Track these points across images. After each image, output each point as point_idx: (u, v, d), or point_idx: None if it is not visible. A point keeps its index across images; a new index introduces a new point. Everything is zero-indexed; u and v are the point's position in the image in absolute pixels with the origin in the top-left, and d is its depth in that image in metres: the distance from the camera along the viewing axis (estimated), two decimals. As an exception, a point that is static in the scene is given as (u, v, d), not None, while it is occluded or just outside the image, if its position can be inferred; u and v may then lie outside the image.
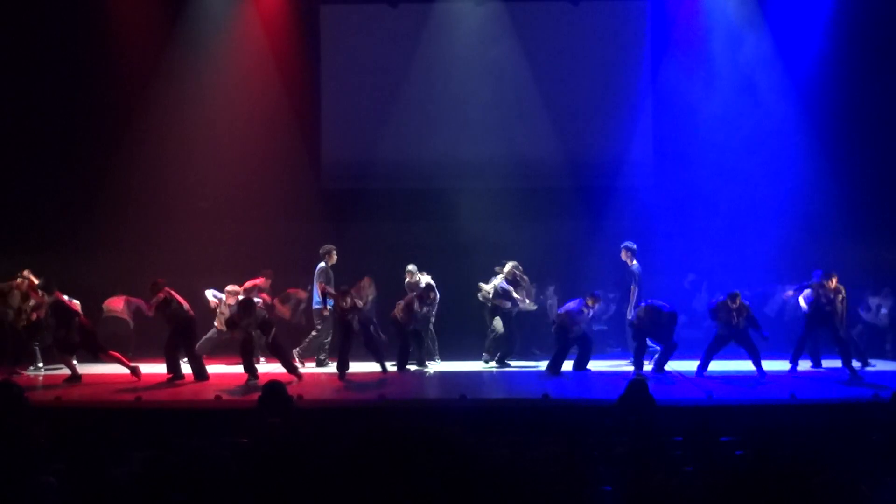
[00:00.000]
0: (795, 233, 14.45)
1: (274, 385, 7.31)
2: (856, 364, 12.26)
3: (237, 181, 15.52)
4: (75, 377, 11.97)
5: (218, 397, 10.45)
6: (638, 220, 15.06)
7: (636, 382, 7.03)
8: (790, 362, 12.39)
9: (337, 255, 13.25)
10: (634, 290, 12.88)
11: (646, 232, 14.73)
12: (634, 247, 13.06)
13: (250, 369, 11.79)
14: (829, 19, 14.87)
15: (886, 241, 14.37)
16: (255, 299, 12.44)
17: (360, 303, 12.36)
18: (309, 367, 12.89)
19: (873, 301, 13.91)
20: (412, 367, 12.87)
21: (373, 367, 12.63)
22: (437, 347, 13.39)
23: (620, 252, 13.12)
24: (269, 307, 12.96)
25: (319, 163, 16.22)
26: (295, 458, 4.88)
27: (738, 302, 11.75)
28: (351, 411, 9.92)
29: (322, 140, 16.28)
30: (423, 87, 15.76)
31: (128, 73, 15.19)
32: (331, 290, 12.79)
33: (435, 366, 13.17)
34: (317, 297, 13.08)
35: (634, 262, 13.04)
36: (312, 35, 16.16)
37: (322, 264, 13.16)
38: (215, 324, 12.96)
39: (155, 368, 12.42)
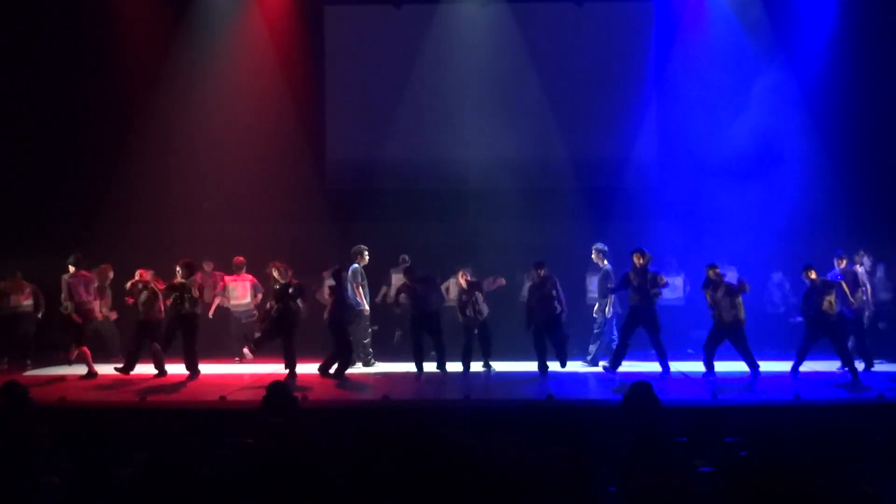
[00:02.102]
0: (801, 231, 14.42)
1: (278, 385, 7.30)
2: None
3: (241, 181, 15.54)
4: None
5: (222, 398, 10.46)
6: (642, 220, 15.05)
7: (640, 384, 7.01)
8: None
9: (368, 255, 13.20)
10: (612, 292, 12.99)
11: (650, 232, 14.73)
12: (605, 248, 13.22)
13: (130, 362, 12.22)
14: (834, 20, 14.83)
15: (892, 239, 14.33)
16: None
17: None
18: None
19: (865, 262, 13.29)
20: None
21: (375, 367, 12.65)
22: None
23: (591, 253, 13.26)
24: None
25: (324, 163, 16.23)
26: (299, 458, 4.88)
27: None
28: (355, 412, 9.93)
29: (327, 140, 16.30)
30: (427, 87, 15.76)
31: (132, 73, 15.21)
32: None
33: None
34: (355, 298, 13.02)
35: (605, 262, 13.14)
36: (317, 36, 16.16)
37: (355, 265, 13.11)
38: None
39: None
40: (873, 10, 14.89)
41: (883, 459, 5.98)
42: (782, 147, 15.11)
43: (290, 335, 12.28)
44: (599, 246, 13.23)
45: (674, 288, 14.04)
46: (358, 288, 12.91)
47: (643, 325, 12.12)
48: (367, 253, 13.14)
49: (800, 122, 15.05)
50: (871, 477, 5.17)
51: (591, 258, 13.37)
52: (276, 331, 12.32)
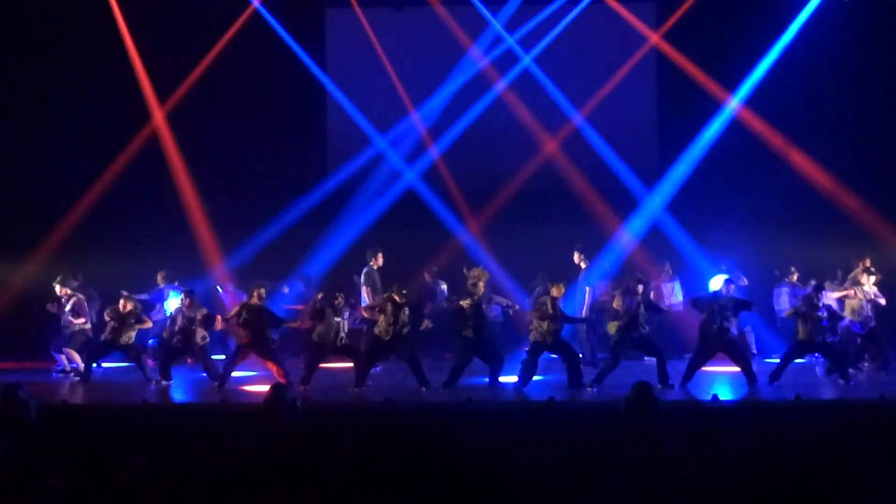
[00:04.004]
0: (802, 234, 14.39)
1: (279, 388, 7.30)
2: None
3: (242, 184, 15.56)
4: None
5: (223, 400, 10.47)
6: (646, 221, 15.07)
7: (641, 385, 7.01)
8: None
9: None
10: (589, 292, 12.92)
11: (651, 233, 14.76)
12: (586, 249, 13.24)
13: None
14: (840, 24, 14.74)
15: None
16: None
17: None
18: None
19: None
20: None
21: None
22: None
23: (574, 254, 13.24)
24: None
25: (325, 165, 16.22)
26: (299, 460, 4.88)
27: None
28: (356, 414, 9.91)
29: (328, 142, 16.31)
30: (428, 89, 15.74)
31: (132, 75, 15.24)
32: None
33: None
34: (364, 300, 12.91)
35: (586, 264, 13.15)
36: (318, 38, 16.16)
37: (367, 268, 13.02)
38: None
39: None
40: (881, 17, 14.82)
41: (883, 459, 5.98)
42: (785, 149, 15.06)
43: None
44: (581, 247, 13.22)
45: (670, 294, 13.97)
46: (369, 291, 12.73)
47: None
48: (381, 255, 13.00)
49: (803, 124, 14.98)
50: (873, 476, 5.17)
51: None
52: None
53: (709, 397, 10.32)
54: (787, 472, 4.55)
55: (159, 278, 13.63)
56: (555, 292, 11.33)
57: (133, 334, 12.21)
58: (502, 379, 11.49)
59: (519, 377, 11.35)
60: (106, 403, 10.80)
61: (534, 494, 4.79)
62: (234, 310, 12.01)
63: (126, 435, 6.87)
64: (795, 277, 13.73)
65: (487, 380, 11.49)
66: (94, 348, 12.55)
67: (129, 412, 10.02)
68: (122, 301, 12.23)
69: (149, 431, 8.08)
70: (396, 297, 11.29)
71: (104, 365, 13.06)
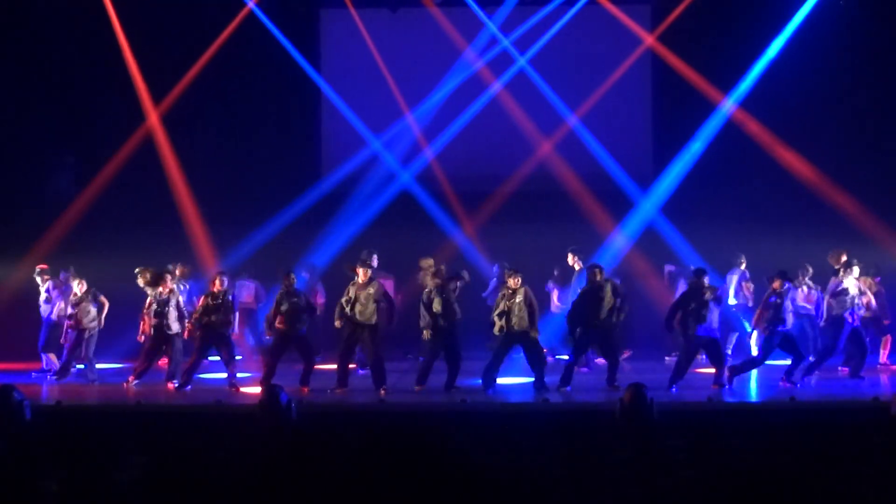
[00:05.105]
0: (798, 235, 14.40)
1: (274, 388, 7.30)
2: None
3: (238, 185, 15.55)
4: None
5: (218, 401, 10.46)
6: (641, 222, 15.08)
7: (635, 386, 7.02)
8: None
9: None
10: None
11: (649, 235, 14.77)
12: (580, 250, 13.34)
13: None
14: (835, 26, 14.76)
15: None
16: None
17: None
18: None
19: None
20: None
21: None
22: None
23: (567, 256, 13.33)
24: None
25: (320, 167, 16.22)
26: (295, 461, 4.88)
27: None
28: (351, 415, 9.92)
29: (322, 144, 16.30)
30: (423, 91, 15.74)
31: (128, 75, 15.22)
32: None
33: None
34: None
35: (581, 264, 13.16)
36: (313, 39, 16.15)
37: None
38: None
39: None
40: (881, 20, 14.83)
41: (878, 461, 5.99)
42: (783, 150, 15.07)
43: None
44: (575, 248, 13.29)
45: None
46: None
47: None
48: (376, 256, 12.96)
49: (802, 124, 14.98)
50: (868, 478, 5.18)
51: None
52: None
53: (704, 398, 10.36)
54: (782, 474, 4.56)
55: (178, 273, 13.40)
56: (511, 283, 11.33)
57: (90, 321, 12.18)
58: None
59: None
60: (101, 405, 10.79)
61: (529, 496, 4.80)
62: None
63: (121, 436, 6.85)
64: (811, 273, 13.46)
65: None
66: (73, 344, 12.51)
67: (124, 414, 10.01)
68: (75, 286, 12.26)
69: (144, 433, 8.06)
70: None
71: (98, 366, 13.02)
